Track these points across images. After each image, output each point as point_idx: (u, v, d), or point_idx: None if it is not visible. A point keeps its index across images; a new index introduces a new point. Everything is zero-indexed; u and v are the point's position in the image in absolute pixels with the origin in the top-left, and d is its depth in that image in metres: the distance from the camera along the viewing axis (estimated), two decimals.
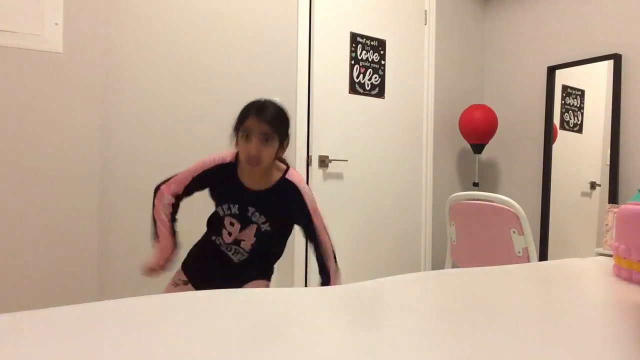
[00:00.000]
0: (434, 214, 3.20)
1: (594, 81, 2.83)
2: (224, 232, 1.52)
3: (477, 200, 2.18)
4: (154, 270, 1.53)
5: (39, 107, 1.84)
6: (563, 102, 2.98)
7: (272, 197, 1.48)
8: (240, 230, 1.50)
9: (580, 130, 2.88)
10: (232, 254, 1.54)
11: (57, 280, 1.87)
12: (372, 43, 2.91)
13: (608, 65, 2.75)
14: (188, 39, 2.28)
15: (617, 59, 2.70)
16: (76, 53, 1.91)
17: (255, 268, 1.57)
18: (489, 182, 3.47)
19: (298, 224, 1.55)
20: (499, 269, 0.82)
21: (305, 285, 2.63)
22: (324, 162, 2.68)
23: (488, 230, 2.07)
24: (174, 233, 1.54)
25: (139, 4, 2.15)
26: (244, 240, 1.51)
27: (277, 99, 1.47)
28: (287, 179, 1.50)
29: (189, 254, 1.63)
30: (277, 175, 1.49)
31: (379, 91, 2.94)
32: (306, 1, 2.64)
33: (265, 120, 1.36)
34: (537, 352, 0.43)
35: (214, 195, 1.54)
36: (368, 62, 2.89)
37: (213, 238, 1.55)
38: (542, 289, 0.70)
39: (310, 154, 2.67)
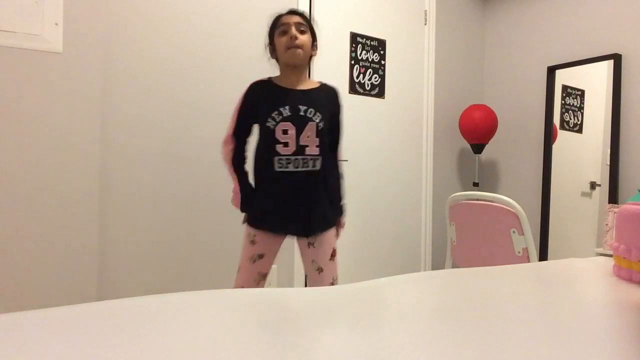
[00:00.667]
0: (434, 214, 3.20)
1: (594, 81, 2.83)
2: (279, 147, 1.51)
3: (477, 200, 2.17)
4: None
5: (38, 107, 1.84)
6: (563, 102, 2.98)
7: (320, 95, 1.61)
8: (298, 134, 1.50)
9: (580, 130, 2.88)
10: (300, 168, 1.51)
11: (57, 280, 1.88)
12: (372, 43, 2.91)
13: (608, 65, 2.75)
14: (188, 38, 2.28)
15: (617, 59, 2.70)
16: (76, 53, 1.91)
17: (323, 188, 1.56)
18: (489, 182, 3.48)
19: (331, 125, 1.65)
20: (499, 269, 0.82)
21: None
22: None
23: (488, 230, 2.07)
24: (241, 173, 1.61)
25: (139, 4, 2.15)
26: (308, 146, 1.52)
27: None
28: (327, 84, 1.68)
29: (251, 206, 1.61)
30: (316, 82, 1.65)
31: (379, 91, 2.94)
32: (306, 1, 2.64)
33: (297, 14, 1.60)
34: (537, 352, 0.43)
35: (261, 112, 1.54)
36: (368, 62, 2.89)
37: (270, 163, 1.52)
38: (542, 289, 0.70)
39: None
